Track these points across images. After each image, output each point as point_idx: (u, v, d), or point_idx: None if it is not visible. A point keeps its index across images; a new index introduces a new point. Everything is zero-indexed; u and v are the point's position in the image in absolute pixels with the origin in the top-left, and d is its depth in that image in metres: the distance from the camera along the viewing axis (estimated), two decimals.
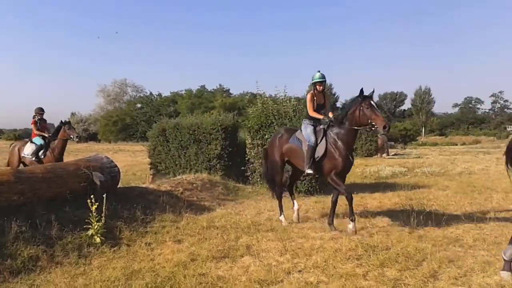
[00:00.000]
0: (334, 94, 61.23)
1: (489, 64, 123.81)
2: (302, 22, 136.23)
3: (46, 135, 8.79)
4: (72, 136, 8.66)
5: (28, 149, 8.69)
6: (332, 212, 5.73)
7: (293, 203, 6.34)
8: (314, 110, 5.82)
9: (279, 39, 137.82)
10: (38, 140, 8.74)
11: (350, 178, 10.78)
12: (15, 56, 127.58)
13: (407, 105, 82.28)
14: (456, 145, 45.50)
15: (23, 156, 8.67)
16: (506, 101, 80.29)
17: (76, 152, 21.58)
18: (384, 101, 79.17)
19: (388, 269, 3.88)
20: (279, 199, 6.38)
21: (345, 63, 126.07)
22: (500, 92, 79.91)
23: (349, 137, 5.47)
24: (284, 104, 9.75)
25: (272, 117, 9.54)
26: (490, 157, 20.12)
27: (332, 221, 5.69)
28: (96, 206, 4.84)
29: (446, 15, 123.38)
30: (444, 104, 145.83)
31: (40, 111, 9.07)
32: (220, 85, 69.89)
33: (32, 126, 8.95)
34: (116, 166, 7.22)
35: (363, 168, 14.62)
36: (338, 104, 50.36)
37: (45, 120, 9.23)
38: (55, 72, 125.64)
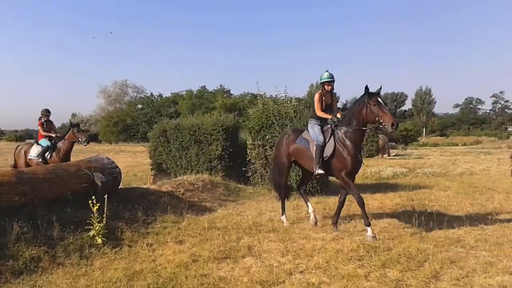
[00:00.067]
0: (335, 94, 61.20)
1: (490, 64, 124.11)
2: (302, 22, 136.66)
3: (53, 135, 8.82)
4: (80, 140, 8.65)
5: (34, 151, 8.71)
6: (338, 212, 5.68)
7: (307, 206, 6.20)
8: (322, 110, 5.76)
9: (279, 39, 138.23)
10: (44, 142, 8.76)
11: None
12: (15, 56, 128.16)
13: (407, 105, 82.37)
14: (457, 145, 45.52)
15: (30, 159, 8.69)
16: (507, 101, 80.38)
17: (77, 153, 21.47)
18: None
19: (390, 270, 3.87)
20: (283, 200, 6.35)
21: (345, 63, 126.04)
22: (501, 92, 79.98)
23: (357, 136, 5.33)
24: (284, 104, 9.73)
25: (273, 117, 9.52)
26: (491, 158, 20.13)
27: (337, 221, 5.66)
28: (97, 207, 4.84)
29: (446, 15, 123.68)
30: (445, 104, 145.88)
31: (46, 112, 9.08)
32: (220, 85, 69.99)
33: (38, 128, 8.96)
34: (117, 167, 7.23)
35: (364, 169, 14.54)
36: (339, 105, 50.21)
37: (51, 122, 9.23)
38: (55, 72, 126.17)
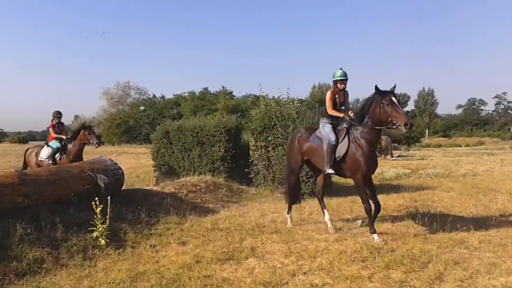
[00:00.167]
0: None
1: (492, 65, 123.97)
2: (302, 22, 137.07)
3: (64, 137, 8.86)
4: (91, 142, 8.66)
5: (44, 153, 8.81)
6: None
7: (323, 213, 5.96)
8: (334, 109, 5.64)
9: (279, 39, 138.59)
10: (55, 144, 8.83)
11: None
12: (15, 56, 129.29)
13: (410, 106, 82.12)
14: (460, 146, 45.35)
15: (41, 160, 8.79)
16: (510, 102, 79.97)
17: None
18: None
19: (393, 271, 3.86)
20: (290, 199, 6.28)
21: (345, 63, 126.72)
22: (504, 93, 79.55)
23: (373, 136, 5.18)
24: (287, 106, 9.74)
25: (275, 119, 9.53)
26: (494, 159, 20.05)
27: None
28: (100, 208, 4.85)
29: (446, 15, 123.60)
30: (448, 105, 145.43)
31: (58, 114, 9.14)
32: (223, 87, 69.90)
33: (50, 130, 9.03)
34: (120, 168, 7.25)
35: None
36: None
37: (62, 124, 9.31)
38: (55, 72, 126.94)
